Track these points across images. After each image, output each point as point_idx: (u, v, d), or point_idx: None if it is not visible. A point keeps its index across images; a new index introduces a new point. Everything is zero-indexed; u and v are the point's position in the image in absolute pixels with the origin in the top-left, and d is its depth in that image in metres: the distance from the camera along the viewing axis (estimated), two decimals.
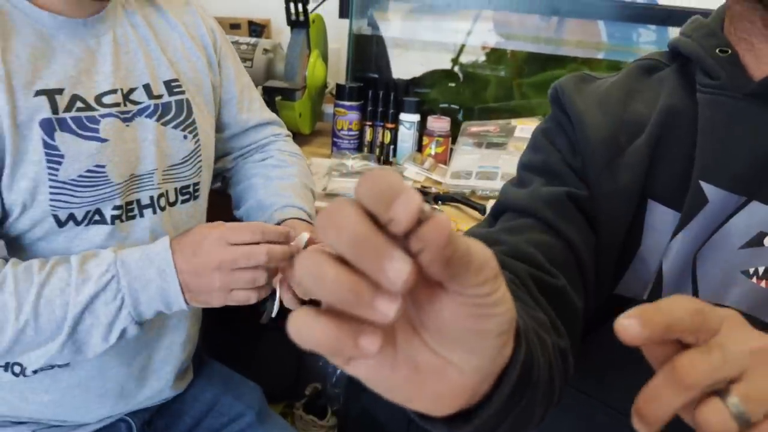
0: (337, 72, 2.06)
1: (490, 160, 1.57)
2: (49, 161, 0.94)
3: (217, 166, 1.26)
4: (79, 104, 0.98)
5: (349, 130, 1.74)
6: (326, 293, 0.34)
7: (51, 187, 0.95)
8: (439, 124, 1.71)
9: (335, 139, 1.75)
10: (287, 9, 1.70)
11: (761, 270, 0.75)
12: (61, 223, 0.97)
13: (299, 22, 1.73)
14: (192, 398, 1.25)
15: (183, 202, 1.12)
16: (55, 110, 0.95)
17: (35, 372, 1.01)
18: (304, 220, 1.13)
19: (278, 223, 1.12)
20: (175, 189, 1.10)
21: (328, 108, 1.97)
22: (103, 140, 0.99)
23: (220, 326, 1.65)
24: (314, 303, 0.36)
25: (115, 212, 1.01)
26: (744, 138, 0.75)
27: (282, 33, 2.14)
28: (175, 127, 1.09)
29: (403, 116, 1.72)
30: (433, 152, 1.71)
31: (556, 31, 2.01)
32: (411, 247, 0.34)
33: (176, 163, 1.10)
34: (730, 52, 0.79)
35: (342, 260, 0.34)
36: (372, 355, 0.35)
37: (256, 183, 1.23)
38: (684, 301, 0.43)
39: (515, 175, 0.90)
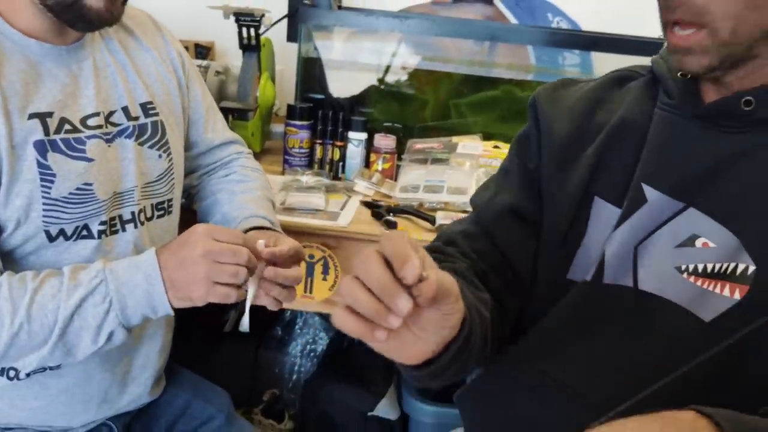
0: (282, 92, 2.15)
1: (435, 175, 1.69)
2: (42, 180, 1.01)
3: (184, 183, 1.33)
4: (67, 126, 1.05)
5: (300, 148, 1.83)
6: (360, 309, 0.64)
7: (44, 204, 1.01)
8: (385, 141, 1.82)
9: (287, 157, 1.84)
10: (239, 33, 1.79)
11: (691, 267, 0.87)
12: (51, 238, 1.04)
13: (251, 46, 1.81)
14: (166, 403, 1.32)
15: (158, 217, 1.20)
16: (47, 132, 1.02)
17: (28, 375, 1.06)
18: (267, 228, 1.22)
19: (244, 231, 1.19)
20: (152, 205, 1.18)
21: (276, 127, 2.05)
22: (90, 160, 1.07)
23: (180, 336, 1.72)
24: None
25: (101, 227, 1.08)
26: (687, 152, 0.88)
27: (226, 54, 2.22)
28: (150, 147, 1.17)
29: (351, 134, 1.82)
30: (380, 168, 1.81)
31: (489, 55, 2.15)
32: (413, 292, 0.64)
33: (152, 181, 1.17)
34: (689, 76, 0.90)
35: (368, 288, 0.64)
36: (382, 340, 0.66)
37: (222, 198, 1.31)
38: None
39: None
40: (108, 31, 1.17)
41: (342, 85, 2.11)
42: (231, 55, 2.14)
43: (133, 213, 1.14)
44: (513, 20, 2.14)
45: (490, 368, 1.03)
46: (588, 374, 0.93)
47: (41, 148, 1.01)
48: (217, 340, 1.83)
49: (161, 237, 1.20)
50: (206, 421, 1.34)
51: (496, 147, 1.82)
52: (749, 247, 0.83)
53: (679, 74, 0.92)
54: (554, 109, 1.02)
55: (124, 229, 1.13)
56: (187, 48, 2.10)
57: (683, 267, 0.88)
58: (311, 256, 1.52)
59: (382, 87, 2.09)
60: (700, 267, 0.86)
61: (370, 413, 1.70)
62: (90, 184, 1.06)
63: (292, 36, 1.92)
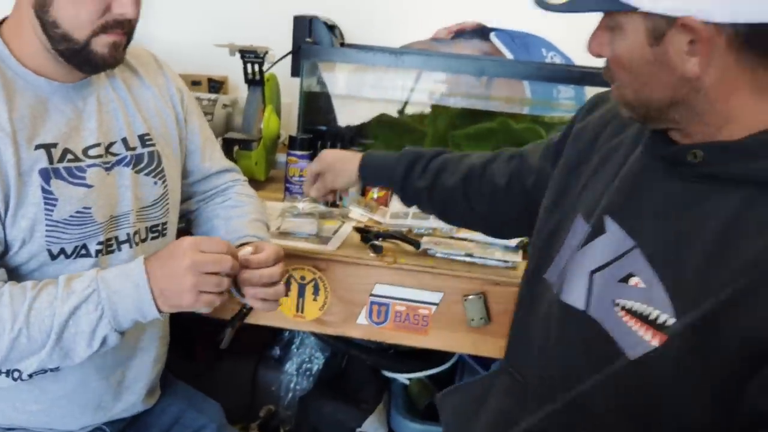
0: (289, 124, 2.27)
1: None
2: (46, 204, 1.13)
3: (182, 208, 1.44)
4: (69, 156, 1.17)
5: (300, 176, 1.93)
6: None
7: (47, 225, 1.13)
8: None
9: (287, 185, 1.95)
10: (245, 69, 1.92)
11: (624, 304, 0.94)
12: (53, 256, 1.15)
13: (255, 81, 1.94)
14: (160, 412, 1.42)
15: (153, 238, 1.31)
16: (51, 161, 1.14)
17: (30, 376, 1.17)
18: None
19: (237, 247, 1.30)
20: (147, 227, 1.29)
21: (281, 157, 2.17)
22: (89, 186, 1.18)
23: (183, 352, 1.83)
24: None
25: (98, 247, 1.20)
26: (647, 192, 0.95)
27: (238, 88, 2.34)
28: (146, 174, 1.29)
29: None
30: (375, 196, 1.91)
31: (487, 88, 2.25)
32: None
33: (147, 206, 1.29)
34: None
35: None
36: None
37: (217, 224, 1.42)
38: None
39: None
40: (113, 71, 1.29)
41: (345, 116, 2.23)
42: (242, 89, 2.26)
43: (128, 234, 1.25)
44: (509, 55, 2.23)
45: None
46: (535, 365, 1.05)
47: (45, 175, 1.13)
48: (218, 358, 1.93)
49: None
50: (198, 430, 1.44)
51: None
52: (675, 302, 0.88)
53: None
54: (591, 119, 1.16)
55: (119, 249, 1.24)
56: (200, 82, 2.25)
57: (618, 302, 0.94)
58: (302, 278, 1.61)
59: (383, 118, 2.19)
60: (628, 305, 0.93)
61: (358, 429, 1.78)
62: (89, 208, 1.18)
63: (296, 71, 2.04)
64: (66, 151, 1.17)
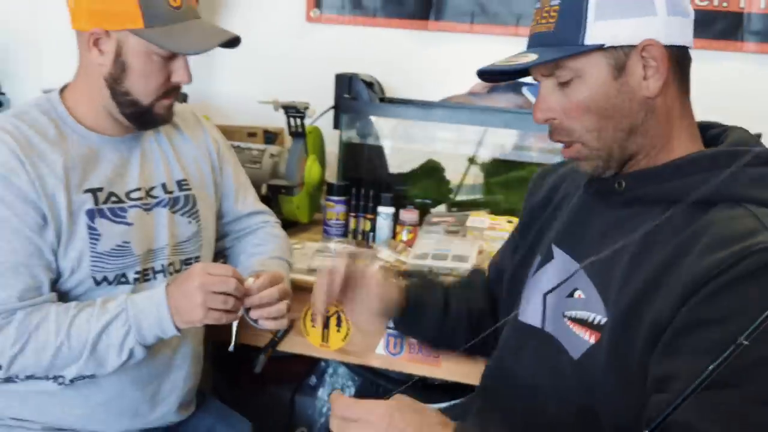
0: (333, 171, 2.46)
1: (444, 244, 1.94)
2: (91, 238, 1.35)
3: (218, 245, 1.65)
4: (113, 198, 1.40)
5: (337, 219, 2.13)
6: None
7: (92, 257, 1.35)
8: (409, 215, 2.09)
9: (326, 227, 2.14)
10: (288, 123, 2.14)
11: (570, 314, 1.11)
12: (97, 283, 1.37)
13: (298, 133, 2.15)
14: (193, 424, 1.61)
15: (186, 270, 1.51)
16: (96, 203, 1.37)
17: (72, 381, 1.38)
18: None
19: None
20: (180, 260, 1.50)
21: None
22: (130, 224, 1.40)
23: (229, 380, 2.03)
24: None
25: (136, 276, 1.41)
26: (586, 222, 1.13)
27: (291, 140, 2.57)
28: (182, 215, 1.50)
29: (380, 209, 2.11)
30: (404, 238, 2.08)
31: (520, 139, 2.39)
32: None
33: (182, 241, 1.50)
34: None
35: None
36: None
37: (243, 259, 1.62)
38: None
39: None
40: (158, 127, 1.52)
41: (385, 163, 2.41)
42: None
43: (163, 265, 1.46)
44: None
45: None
46: (502, 381, 1.22)
47: (91, 215, 1.36)
48: (261, 384, 2.12)
49: None
50: None
51: (509, 221, 2.06)
52: (606, 303, 1.05)
53: None
54: (537, 186, 1.33)
55: (155, 278, 1.45)
56: (255, 134, 2.48)
57: (566, 314, 1.12)
58: (327, 311, 1.79)
59: (421, 166, 2.36)
60: (573, 314, 1.10)
61: None
62: (128, 242, 1.40)
63: (337, 124, 2.25)
64: (111, 194, 1.40)
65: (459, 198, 2.35)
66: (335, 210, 2.13)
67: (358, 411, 0.95)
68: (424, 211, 2.16)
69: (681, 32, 1.04)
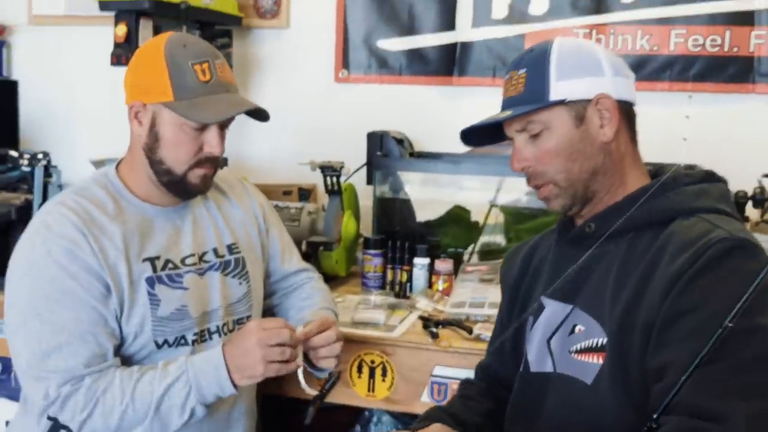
0: (369, 224, 2.55)
1: (479, 292, 2.01)
2: (151, 304, 1.43)
3: (266, 303, 1.73)
4: (170, 265, 1.48)
5: (375, 272, 2.21)
6: None
7: (153, 321, 1.44)
8: (444, 265, 2.16)
9: (364, 280, 2.22)
10: (324, 181, 2.23)
11: (575, 347, 1.23)
12: (158, 346, 1.45)
13: (334, 191, 2.25)
14: None
15: (239, 330, 1.59)
16: (155, 270, 1.46)
17: None
18: None
19: None
20: (233, 320, 1.58)
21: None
22: (186, 288, 1.49)
23: (277, 427, 2.09)
24: None
25: (194, 337, 1.49)
26: (566, 268, 1.24)
27: (326, 196, 2.65)
28: (233, 277, 1.58)
29: (416, 260, 2.19)
30: (440, 288, 2.15)
31: None
32: None
33: (234, 302, 1.58)
34: (566, 216, 1.29)
35: None
36: None
37: (292, 314, 1.69)
38: None
39: None
40: (206, 194, 1.61)
41: (419, 214, 2.49)
42: (327, 197, 2.58)
43: (218, 326, 1.54)
44: None
45: None
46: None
47: (150, 282, 1.45)
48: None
49: None
50: None
51: None
52: (603, 326, 1.18)
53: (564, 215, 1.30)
54: (510, 263, 1.47)
55: (211, 339, 1.53)
56: (290, 192, 2.57)
57: (571, 349, 1.23)
58: (372, 361, 1.86)
59: (447, 212, 2.44)
60: (578, 347, 1.22)
61: None
62: (185, 306, 1.48)
63: (370, 180, 2.34)
64: (167, 261, 1.48)
65: (485, 238, 2.41)
66: (373, 263, 2.21)
67: None
68: (457, 259, 2.23)
69: (626, 90, 1.25)
